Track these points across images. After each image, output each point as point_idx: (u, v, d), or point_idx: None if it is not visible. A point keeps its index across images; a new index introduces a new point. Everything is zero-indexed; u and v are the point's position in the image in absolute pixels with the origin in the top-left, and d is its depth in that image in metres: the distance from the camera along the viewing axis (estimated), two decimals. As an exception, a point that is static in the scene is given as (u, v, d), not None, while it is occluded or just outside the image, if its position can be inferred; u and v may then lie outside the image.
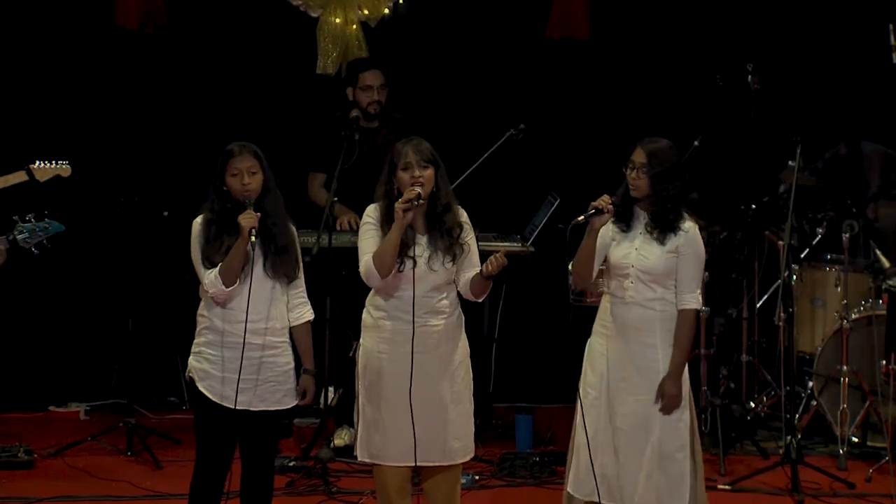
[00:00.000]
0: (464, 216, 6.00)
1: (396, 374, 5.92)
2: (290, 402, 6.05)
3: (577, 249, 5.96)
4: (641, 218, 5.97)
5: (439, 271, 5.91)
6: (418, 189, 5.80)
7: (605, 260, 6.04)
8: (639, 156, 5.91)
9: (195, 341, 6.00)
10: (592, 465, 5.93)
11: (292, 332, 6.04)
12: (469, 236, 5.99)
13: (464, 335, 6.06)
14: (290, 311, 6.03)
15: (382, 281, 5.86)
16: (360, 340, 6.04)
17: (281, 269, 5.96)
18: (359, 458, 6.06)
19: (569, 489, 6.05)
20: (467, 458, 6.11)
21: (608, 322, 6.01)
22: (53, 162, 7.17)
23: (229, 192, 5.92)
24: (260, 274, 5.93)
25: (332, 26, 9.05)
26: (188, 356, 6.01)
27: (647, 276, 5.91)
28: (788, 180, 8.12)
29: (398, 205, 5.78)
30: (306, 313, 6.08)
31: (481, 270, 5.85)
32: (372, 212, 5.97)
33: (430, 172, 5.87)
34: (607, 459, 5.95)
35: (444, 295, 5.96)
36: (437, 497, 6.08)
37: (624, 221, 5.99)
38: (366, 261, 5.86)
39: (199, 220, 5.95)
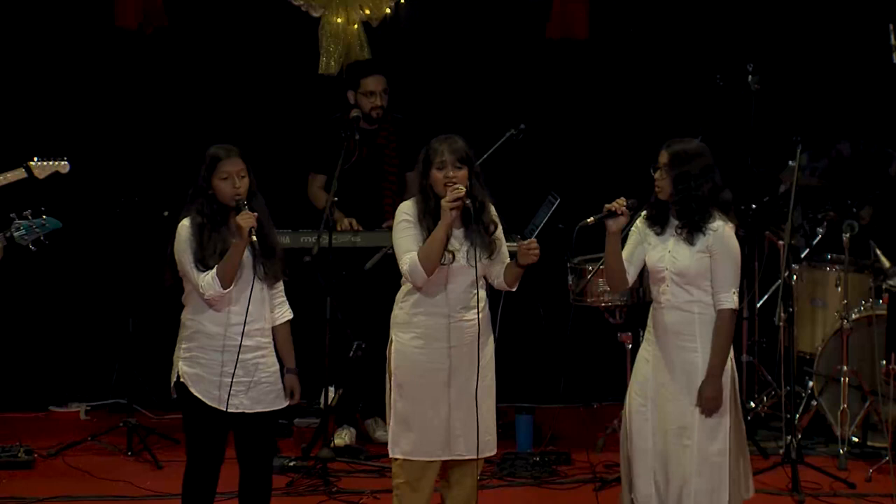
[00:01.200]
0: (494, 213, 6.04)
1: (433, 369, 5.95)
2: (282, 403, 6.06)
3: (603, 256, 5.96)
4: (673, 220, 5.93)
5: (478, 266, 5.93)
6: (462, 187, 5.82)
7: (645, 265, 6.01)
8: (662, 157, 5.89)
9: (184, 346, 5.98)
10: (630, 473, 5.94)
11: (273, 331, 6.05)
12: (500, 231, 6.04)
13: (492, 330, 6.11)
14: (272, 310, 6.04)
15: (427, 279, 5.87)
16: (393, 337, 6.05)
17: (270, 271, 5.97)
18: (390, 455, 6.06)
19: (631, 495, 5.98)
20: (493, 453, 6.15)
21: (651, 328, 6.00)
22: (51, 159, 7.19)
23: (215, 195, 5.91)
24: (251, 276, 5.94)
25: (333, 26, 9.04)
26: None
27: (681, 279, 5.87)
28: (789, 180, 8.12)
29: (446, 202, 5.80)
30: (286, 312, 6.10)
31: (517, 260, 5.89)
32: (408, 209, 5.97)
33: (463, 172, 5.89)
34: (657, 466, 5.92)
35: (479, 291, 6.01)
36: (462, 491, 6.10)
37: (658, 224, 5.96)
38: (410, 258, 5.87)
39: (185, 223, 5.93)
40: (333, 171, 7.84)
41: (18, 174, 7.09)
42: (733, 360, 5.99)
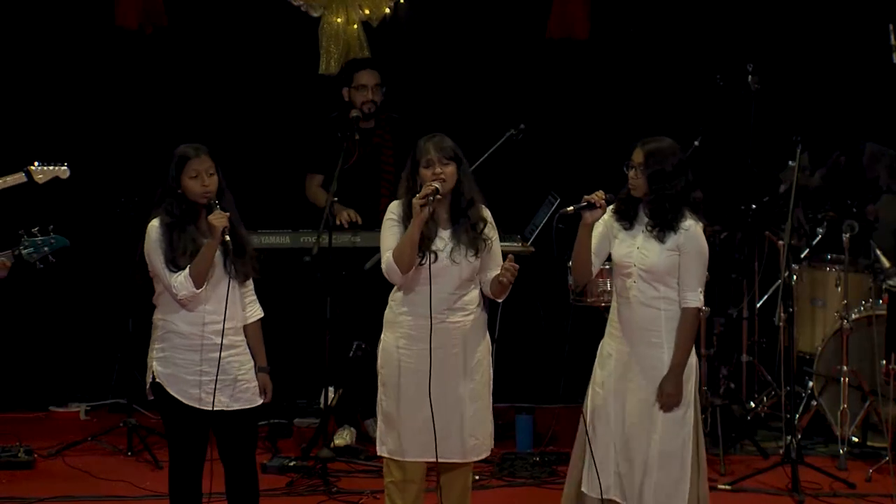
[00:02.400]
0: (487, 214, 6.02)
1: (414, 370, 5.93)
2: (259, 400, 6.07)
3: (573, 246, 5.96)
4: (643, 216, 5.97)
5: (462, 264, 5.92)
6: (436, 184, 5.82)
7: (609, 258, 6.04)
8: (637, 155, 5.92)
9: (157, 346, 6.00)
10: (594, 462, 5.95)
11: (244, 330, 6.06)
12: (493, 234, 6.01)
13: (486, 333, 6.09)
14: (243, 309, 6.05)
15: (404, 277, 5.87)
16: (382, 335, 6.06)
17: (241, 269, 5.99)
18: (377, 453, 6.10)
19: (583, 488, 6.03)
20: (483, 456, 6.14)
21: (615, 322, 6.02)
22: (52, 164, 7.20)
23: (185, 194, 5.92)
24: (221, 274, 5.95)
25: (333, 26, 9.04)
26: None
27: (649, 275, 5.91)
28: (788, 180, 8.12)
29: (415, 200, 5.80)
30: (257, 311, 6.11)
31: (499, 279, 5.89)
32: (395, 208, 5.99)
33: (451, 168, 5.89)
34: (620, 457, 5.95)
35: (467, 292, 5.99)
36: (452, 494, 6.10)
37: (627, 220, 5.99)
38: (387, 257, 5.90)
39: (155, 223, 5.94)
40: (331, 170, 7.83)
41: (18, 178, 7.12)
42: (695, 357, 6.03)
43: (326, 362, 7.82)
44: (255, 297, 6.11)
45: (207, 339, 5.91)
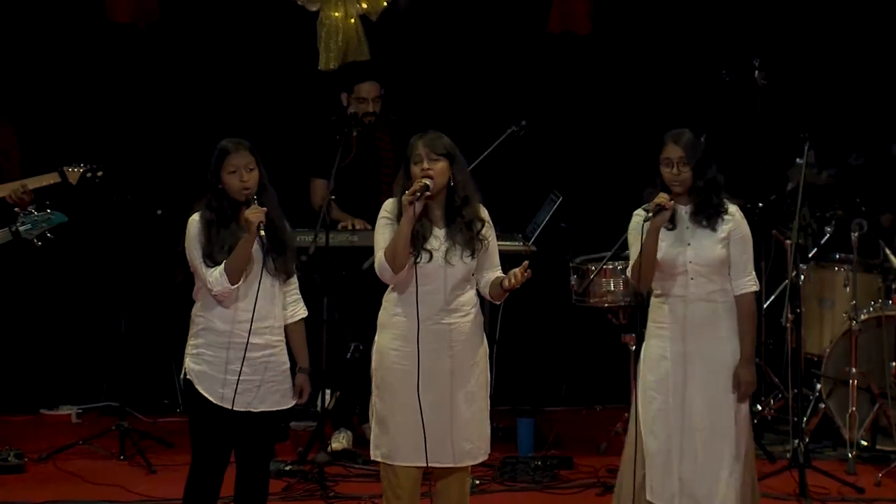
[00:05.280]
0: (485, 213, 5.93)
1: (408, 372, 5.83)
2: (289, 402, 6.00)
3: (640, 252, 5.88)
4: (683, 213, 5.94)
5: (457, 266, 5.83)
6: (425, 181, 5.73)
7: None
8: (674, 151, 5.87)
9: (192, 342, 5.93)
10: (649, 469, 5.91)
11: (287, 329, 5.99)
12: (490, 233, 5.91)
13: (483, 335, 5.99)
14: (284, 308, 5.98)
15: (396, 276, 5.78)
16: (376, 337, 5.98)
17: (282, 267, 5.93)
18: (371, 457, 6.02)
19: (648, 497, 5.95)
20: (479, 461, 6.05)
21: (667, 323, 5.94)
22: (84, 165, 7.41)
23: (225, 189, 5.87)
24: (260, 271, 5.87)
25: (332, 21, 9.01)
26: (182, 357, 5.94)
27: (707, 269, 5.89)
28: (796, 178, 8.06)
29: (404, 197, 5.73)
30: (300, 310, 6.04)
31: (503, 283, 5.80)
32: (389, 206, 5.92)
33: (441, 165, 5.79)
34: (684, 465, 5.90)
35: (462, 293, 5.88)
36: (449, 499, 6.01)
37: (668, 220, 5.91)
38: (379, 256, 5.82)
39: (195, 218, 5.89)
40: (331, 171, 7.74)
41: (53, 178, 7.19)
42: None
43: (323, 364, 7.74)
44: (298, 297, 6.03)
45: (238, 337, 5.84)
